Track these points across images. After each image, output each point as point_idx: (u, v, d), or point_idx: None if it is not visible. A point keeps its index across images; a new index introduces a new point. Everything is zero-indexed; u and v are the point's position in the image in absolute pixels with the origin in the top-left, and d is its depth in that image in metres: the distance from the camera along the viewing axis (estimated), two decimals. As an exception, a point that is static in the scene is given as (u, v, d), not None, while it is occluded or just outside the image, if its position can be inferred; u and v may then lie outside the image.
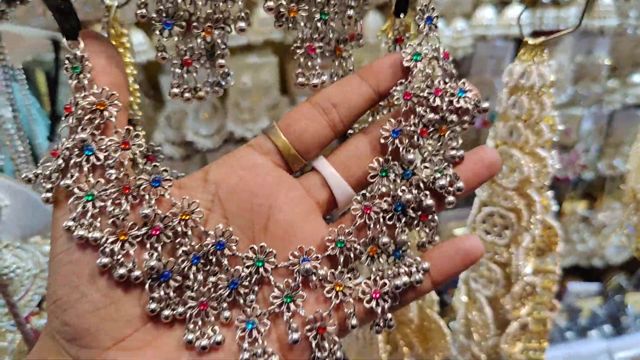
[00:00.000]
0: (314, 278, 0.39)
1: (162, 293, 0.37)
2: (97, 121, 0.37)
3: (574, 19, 1.39)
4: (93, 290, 0.36)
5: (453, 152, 0.41)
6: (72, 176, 0.36)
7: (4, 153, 0.78)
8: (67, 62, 0.37)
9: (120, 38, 0.53)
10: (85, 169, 0.37)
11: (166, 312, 0.37)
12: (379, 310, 0.39)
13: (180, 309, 0.37)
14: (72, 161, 0.36)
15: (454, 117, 0.41)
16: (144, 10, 0.37)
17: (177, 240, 0.38)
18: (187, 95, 0.41)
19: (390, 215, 0.40)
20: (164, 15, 0.38)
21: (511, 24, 1.29)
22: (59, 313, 0.36)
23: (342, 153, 0.43)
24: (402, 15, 0.46)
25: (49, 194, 0.37)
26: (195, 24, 0.39)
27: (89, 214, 0.36)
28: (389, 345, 0.75)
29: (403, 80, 0.41)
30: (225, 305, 0.38)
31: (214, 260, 0.38)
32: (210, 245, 0.38)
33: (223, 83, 0.42)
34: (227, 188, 0.39)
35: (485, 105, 0.41)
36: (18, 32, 0.69)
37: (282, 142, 0.41)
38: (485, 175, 0.42)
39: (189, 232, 0.38)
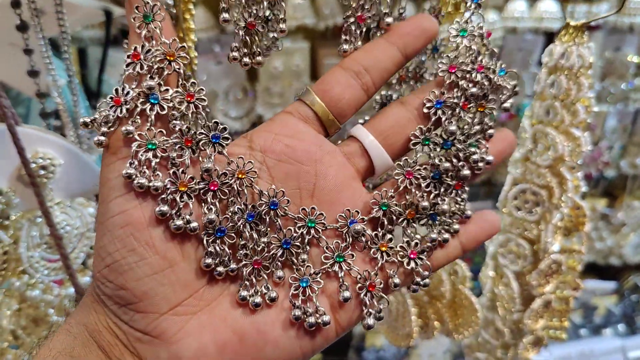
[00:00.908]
0: (363, 239, 0.41)
1: (217, 248, 0.38)
2: (165, 72, 0.37)
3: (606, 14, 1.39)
4: (151, 253, 0.35)
5: (488, 129, 0.43)
6: (133, 123, 0.36)
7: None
8: (135, 11, 0.38)
9: (187, 4, 0.55)
10: (152, 117, 0.37)
11: (220, 269, 0.38)
12: (418, 268, 0.41)
13: (233, 266, 0.38)
14: (137, 109, 0.37)
15: (493, 95, 0.43)
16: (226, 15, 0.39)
17: (230, 199, 0.38)
18: (245, 60, 0.41)
19: (428, 182, 0.42)
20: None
21: (542, 17, 1.29)
22: (113, 277, 0.35)
23: (381, 122, 0.44)
24: None
25: (103, 138, 0.36)
26: None
27: (150, 162, 0.36)
28: (421, 319, 0.77)
29: (449, 54, 0.43)
30: (278, 264, 0.40)
31: (267, 220, 0.39)
32: (264, 205, 0.39)
33: (273, 48, 0.43)
34: (274, 155, 0.40)
35: (518, 88, 0.44)
36: (74, 1, 0.71)
37: (320, 108, 0.42)
38: (508, 152, 0.46)
39: (245, 191, 0.39)
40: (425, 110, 0.43)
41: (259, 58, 0.41)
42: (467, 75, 0.42)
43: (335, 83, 0.42)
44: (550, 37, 1.41)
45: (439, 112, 0.42)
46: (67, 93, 0.76)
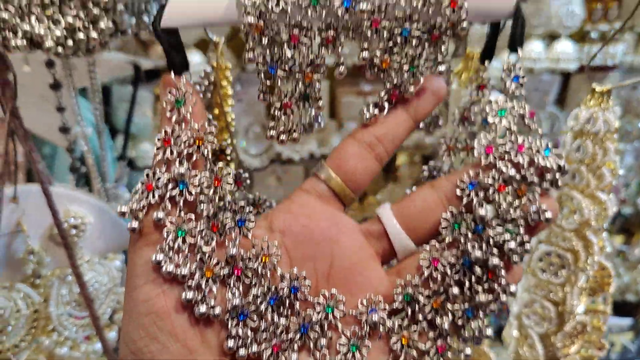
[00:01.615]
0: (381, 329, 0.40)
1: (240, 331, 0.38)
2: (194, 157, 0.38)
3: (622, 55, 1.40)
4: (173, 341, 0.36)
5: (530, 213, 0.39)
6: (164, 209, 0.37)
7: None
8: (168, 95, 0.39)
9: (225, 71, 0.56)
10: (181, 203, 0.38)
11: (242, 352, 0.38)
12: None
13: (255, 348, 0.38)
14: (167, 195, 0.38)
15: (534, 178, 0.39)
16: (251, 54, 0.39)
17: (253, 281, 0.39)
18: (282, 137, 0.42)
19: (456, 269, 0.40)
20: (268, 60, 0.39)
21: (559, 59, 1.30)
22: None
23: (409, 206, 0.42)
24: (486, 63, 0.48)
25: (136, 224, 0.37)
26: (297, 68, 0.40)
27: (179, 249, 0.37)
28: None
29: (487, 134, 0.42)
30: (295, 347, 0.39)
31: (287, 303, 0.39)
32: (285, 288, 0.39)
33: (315, 125, 0.43)
34: (292, 236, 0.41)
35: (567, 167, 0.40)
36: (107, 58, 0.73)
37: (336, 184, 0.42)
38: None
39: (267, 273, 0.39)
40: (458, 193, 0.41)
41: (295, 135, 0.42)
42: (506, 156, 0.40)
43: (349, 157, 0.42)
44: (567, 77, 1.41)
45: (472, 193, 0.40)
46: (94, 143, 0.78)
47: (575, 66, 1.33)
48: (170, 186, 0.38)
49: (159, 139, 0.38)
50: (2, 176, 0.57)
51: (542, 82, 1.37)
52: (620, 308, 1.86)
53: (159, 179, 0.38)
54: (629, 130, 1.51)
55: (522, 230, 0.39)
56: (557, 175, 0.39)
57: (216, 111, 0.61)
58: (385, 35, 0.40)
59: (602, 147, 0.67)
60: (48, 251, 0.66)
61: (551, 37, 1.34)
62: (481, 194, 0.40)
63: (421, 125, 0.49)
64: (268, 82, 0.40)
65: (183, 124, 0.39)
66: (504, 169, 0.40)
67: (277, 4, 0.37)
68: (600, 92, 0.67)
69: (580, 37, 1.35)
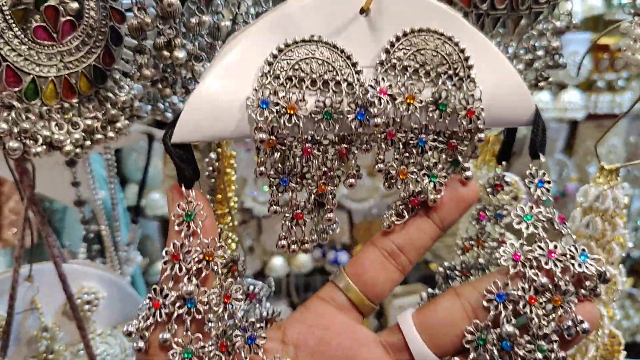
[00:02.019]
0: None
1: None
2: (204, 272, 0.38)
3: (629, 104, 1.40)
4: None
5: (566, 326, 0.37)
6: (170, 329, 0.37)
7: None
8: (177, 208, 0.38)
9: (230, 159, 0.57)
10: (188, 322, 0.37)
11: None
12: None
13: None
14: (174, 313, 0.37)
15: (570, 287, 0.37)
16: (262, 168, 0.38)
17: None
18: (293, 247, 0.41)
19: None
20: (280, 172, 0.39)
21: (566, 108, 1.31)
22: None
23: (431, 316, 0.40)
24: (504, 163, 0.47)
25: (143, 345, 0.37)
26: (309, 180, 0.40)
27: None
28: None
29: (512, 242, 0.40)
30: None
31: None
32: None
33: (330, 232, 0.42)
34: (307, 350, 0.39)
35: (609, 275, 0.38)
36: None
37: (355, 294, 0.40)
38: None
39: None
40: (484, 304, 0.38)
41: (307, 246, 0.41)
42: (536, 263, 0.38)
43: (369, 266, 0.41)
44: (574, 125, 1.42)
45: (500, 306, 0.38)
46: (106, 203, 0.79)
47: (582, 115, 1.34)
48: (178, 304, 0.37)
49: (167, 253, 0.38)
50: (18, 259, 0.58)
51: (549, 130, 1.38)
52: (631, 349, 1.83)
53: (166, 296, 0.37)
54: (637, 175, 1.51)
55: (555, 346, 0.37)
56: (598, 282, 0.38)
57: (219, 196, 0.62)
58: (400, 147, 0.40)
59: (611, 224, 0.68)
60: (62, 327, 0.66)
61: (558, 87, 1.35)
62: (510, 307, 0.38)
63: None
64: (279, 195, 0.40)
65: (192, 238, 0.38)
66: (534, 278, 0.38)
67: (290, 119, 0.37)
68: (609, 170, 0.67)
69: (587, 86, 1.36)
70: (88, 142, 0.49)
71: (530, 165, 0.42)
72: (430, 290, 0.49)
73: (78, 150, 0.48)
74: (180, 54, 0.45)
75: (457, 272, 0.50)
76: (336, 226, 0.43)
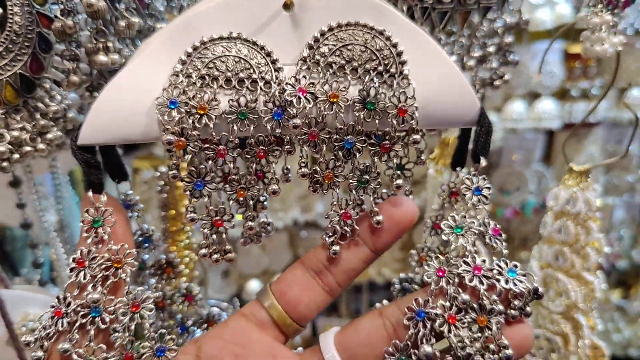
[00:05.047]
0: None
1: None
2: (110, 280, 0.36)
3: (604, 112, 1.40)
4: None
5: (496, 347, 0.34)
6: (72, 339, 0.35)
7: (45, 250, 0.79)
8: (85, 214, 0.37)
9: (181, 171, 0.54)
10: (91, 332, 0.35)
11: None
12: None
13: None
14: (77, 322, 0.35)
15: (497, 306, 0.35)
16: (175, 172, 0.37)
17: None
18: (215, 256, 0.39)
19: None
20: (194, 176, 0.37)
21: (541, 118, 1.30)
22: None
23: (352, 336, 0.39)
24: (458, 169, 0.45)
25: (41, 354, 0.35)
26: (227, 186, 0.38)
27: None
28: None
29: (439, 255, 0.38)
30: None
31: None
32: None
33: (264, 233, 0.41)
34: None
35: (542, 290, 0.36)
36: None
37: (277, 312, 0.39)
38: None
39: None
40: (405, 322, 0.36)
41: (231, 255, 0.39)
42: (457, 280, 0.36)
43: (294, 284, 0.39)
44: (551, 134, 1.41)
45: (420, 325, 0.36)
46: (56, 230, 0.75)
47: (558, 124, 1.32)
48: (82, 313, 0.35)
49: (73, 260, 0.36)
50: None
51: (526, 140, 1.36)
52: (624, 364, 1.80)
53: (69, 304, 0.35)
54: (616, 184, 1.49)
55: None
56: (529, 300, 0.35)
57: (172, 212, 0.59)
58: (324, 149, 0.37)
59: (584, 227, 0.65)
60: (6, 356, 0.62)
61: (532, 97, 1.34)
62: (429, 325, 0.35)
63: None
64: (195, 200, 0.37)
65: (100, 244, 0.36)
66: (455, 295, 0.36)
67: (200, 120, 0.35)
68: (578, 171, 0.65)
69: (561, 95, 1.35)
70: (16, 155, 0.46)
71: (471, 170, 0.40)
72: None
73: (5, 164, 0.45)
74: (104, 59, 0.43)
75: (415, 287, 0.47)
76: (270, 227, 0.41)
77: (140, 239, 0.45)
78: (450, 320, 0.35)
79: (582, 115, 1.33)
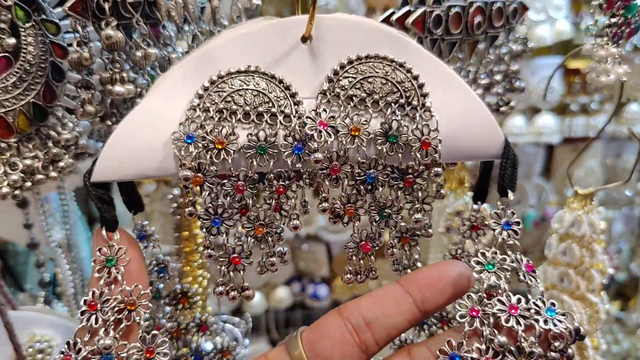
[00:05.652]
0: None
1: None
2: (123, 324, 0.34)
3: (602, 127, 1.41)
4: None
5: None
6: None
7: (50, 271, 0.79)
8: (97, 253, 0.35)
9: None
10: None
11: None
12: None
13: None
14: None
15: (536, 348, 0.33)
16: (191, 209, 0.35)
17: None
18: (233, 294, 0.37)
19: None
20: (212, 213, 0.35)
21: (541, 132, 1.31)
22: None
23: None
24: (479, 203, 0.43)
25: None
26: (246, 222, 0.36)
27: None
28: None
29: (471, 294, 0.35)
30: None
31: None
32: None
33: (281, 263, 0.39)
34: None
35: (583, 331, 0.33)
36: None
37: None
38: None
39: None
40: None
41: (248, 292, 0.38)
42: (493, 320, 0.34)
43: (327, 336, 0.35)
44: (551, 148, 1.42)
45: None
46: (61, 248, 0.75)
47: (557, 139, 1.33)
48: None
49: (84, 302, 0.34)
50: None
51: (526, 154, 1.37)
52: (622, 376, 1.81)
53: (79, 351, 0.33)
54: (615, 197, 1.50)
55: None
56: (570, 342, 0.33)
57: (186, 233, 0.59)
58: (346, 184, 0.36)
59: (589, 250, 0.66)
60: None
61: (532, 111, 1.35)
62: None
63: None
64: (212, 238, 0.36)
65: (113, 285, 0.34)
66: (492, 338, 0.33)
67: (218, 155, 0.34)
68: (583, 194, 0.65)
69: (560, 110, 1.36)
70: (28, 183, 0.46)
71: (498, 204, 0.38)
72: (403, 335, 0.45)
73: (17, 192, 0.45)
74: (120, 89, 0.43)
75: (434, 320, 0.46)
76: (287, 256, 0.39)
77: (156, 269, 0.44)
78: None
79: (582, 130, 1.35)
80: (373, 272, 0.39)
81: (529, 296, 0.35)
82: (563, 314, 0.33)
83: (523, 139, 1.31)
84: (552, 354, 0.33)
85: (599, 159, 1.43)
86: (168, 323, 0.45)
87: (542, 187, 1.41)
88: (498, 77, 0.54)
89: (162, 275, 0.44)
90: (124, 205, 0.40)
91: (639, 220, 1.59)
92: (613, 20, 0.47)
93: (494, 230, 0.38)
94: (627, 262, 1.61)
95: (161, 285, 0.45)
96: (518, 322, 0.33)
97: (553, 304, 0.34)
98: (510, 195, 0.38)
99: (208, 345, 0.49)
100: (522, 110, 1.33)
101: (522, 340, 0.33)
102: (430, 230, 0.40)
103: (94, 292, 0.34)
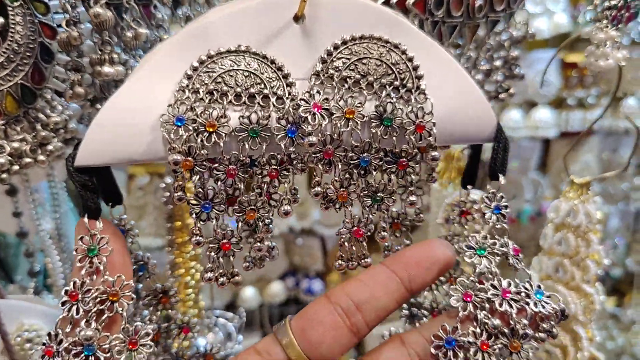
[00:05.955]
0: None
1: None
2: (105, 314, 0.33)
3: (599, 121, 1.40)
4: None
5: None
6: None
7: (40, 261, 0.78)
8: (79, 242, 0.34)
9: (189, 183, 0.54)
10: None
11: None
12: None
13: None
14: None
15: (528, 330, 0.34)
16: (181, 193, 0.34)
17: None
18: (222, 280, 0.36)
19: None
20: (201, 198, 0.35)
21: (537, 126, 1.30)
22: None
23: None
24: (469, 187, 0.43)
25: None
26: (236, 207, 0.35)
27: None
28: None
29: (463, 278, 0.36)
30: None
31: None
32: None
33: (268, 258, 0.38)
34: None
35: (568, 311, 0.36)
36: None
37: (296, 353, 0.35)
38: None
39: None
40: (433, 351, 0.34)
41: (238, 278, 0.37)
42: (488, 305, 0.35)
43: (317, 322, 0.35)
44: (547, 142, 1.42)
45: (450, 353, 0.34)
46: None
47: (554, 133, 1.33)
48: (74, 351, 0.32)
49: (65, 292, 0.33)
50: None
51: (522, 148, 1.37)
52: (617, 371, 1.81)
53: (60, 342, 0.32)
54: (611, 192, 1.50)
55: None
56: (556, 322, 0.34)
57: (178, 223, 0.59)
58: (339, 167, 0.36)
59: (584, 240, 0.65)
60: (1, 367, 0.61)
61: (529, 105, 1.34)
62: (460, 354, 0.34)
63: None
64: (202, 223, 0.35)
65: (95, 275, 0.33)
66: (487, 321, 0.34)
67: (209, 138, 0.33)
68: (579, 184, 0.65)
69: (557, 103, 1.36)
70: (16, 167, 0.45)
71: (488, 187, 0.38)
72: (392, 329, 0.44)
73: (4, 175, 0.44)
74: (110, 70, 0.42)
75: (424, 312, 0.46)
76: (275, 251, 0.38)
77: (135, 267, 0.42)
78: (483, 347, 0.34)
79: (578, 124, 1.34)
80: (365, 259, 0.38)
81: (517, 280, 0.36)
82: (548, 296, 0.35)
83: (519, 133, 1.30)
84: (541, 334, 0.34)
85: (595, 154, 1.43)
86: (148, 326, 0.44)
87: (538, 181, 1.40)
88: (498, 63, 0.53)
89: (141, 273, 0.42)
90: (101, 196, 0.38)
91: (634, 215, 1.59)
92: (613, 2, 0.46)
93: (484, 214, 0.38)
94: (622, 257, 1.61)
95: (140, 286, 0.43)
96: (511, 306, 0.34)
97: (539, 287, 0.35)
98: (502, 179, 0.38)
99: (201, 341, 0.48)
100: (518, 103, 1.32)
101: (516, 323, 0.34)
102: (421, 216, 0.40)
103: (74, 282, 0.33)
